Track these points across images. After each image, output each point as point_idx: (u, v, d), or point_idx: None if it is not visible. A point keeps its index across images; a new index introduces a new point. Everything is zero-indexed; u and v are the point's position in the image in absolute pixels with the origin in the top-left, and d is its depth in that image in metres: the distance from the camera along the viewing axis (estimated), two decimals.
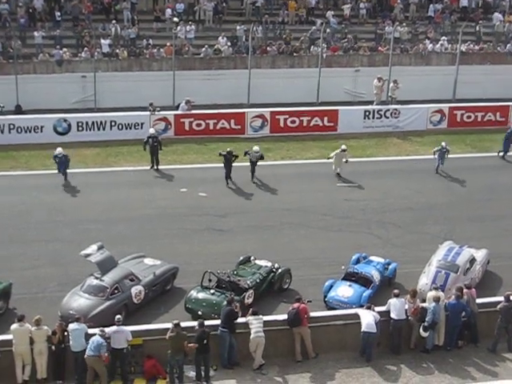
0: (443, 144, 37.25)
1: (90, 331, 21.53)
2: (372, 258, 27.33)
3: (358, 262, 27.10)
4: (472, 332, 23.75)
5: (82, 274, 25.19)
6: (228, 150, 35.27)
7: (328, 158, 36.66)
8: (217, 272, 25.28)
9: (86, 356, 20.97)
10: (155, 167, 36.62)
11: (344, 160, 36.25)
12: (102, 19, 48.96)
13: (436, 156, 37.30)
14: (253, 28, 45.26)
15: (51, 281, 26.29)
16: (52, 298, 25.03)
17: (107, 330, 21.46)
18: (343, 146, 36.32)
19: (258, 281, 25.53)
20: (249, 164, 35.62)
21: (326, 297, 25.41)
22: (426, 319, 22.91)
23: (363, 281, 25.76)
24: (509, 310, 23.31)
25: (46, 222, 30.75)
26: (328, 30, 48.73)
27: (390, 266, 26.98)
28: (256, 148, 35.62)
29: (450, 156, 38.76)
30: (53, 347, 21.35)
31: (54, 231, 29.94)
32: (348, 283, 25.63)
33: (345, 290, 25.37)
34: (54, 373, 21.54)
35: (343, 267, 26.78)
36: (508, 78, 48.22)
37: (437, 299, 23.05)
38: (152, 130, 37.29)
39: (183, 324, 21.91)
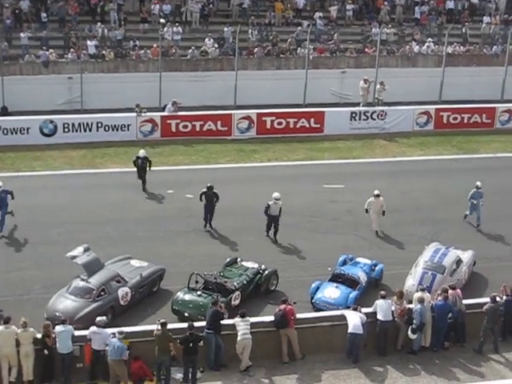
0: (478, 184, 31.65)
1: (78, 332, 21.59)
2: (359, 259, 27.37)
3: (344, 263, 27.11)
4: (460, 331, 23.81)
5: (68, 276, 25.09)
6: (208, 185, 30.47)
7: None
8: (203, 273, 25.26)
9: (108, 359, 21.10)
10: (143, 188, 34.24)
11: (382, 208, 30.52)
12: (89, 20, 48.85)
13: (470, 203, 31.71)
14: (240, 29, 45.22)
15: (36, 283, 26.18)
16: (37, 299, 24.93)
17: (87, 331, 21.55)
18: (376, 192, 30.64)
19: (244, 282, 25.52)
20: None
21: (312, 298, 25.43)
22: (414, 321, 22.96)
23: (350, 282, 25.78)
24: (495, 311, 23.41)
25: (31, 223, 30.59)
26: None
27: (377, 268, 27.02)
28: (276, 194, 29.88)
29: (436, 157, 39.05)
30: (45, 351, 21.28)
31: (40, 233, 29.82)
32: (335, 285, 25.64)
33: (331, 292, 25.37)
34: (43, 375, 21.48)
35: (330, 269, 26.79)
36: (494, 80, 48.43)
37: (421, 300, 23.10)
38: (142, 152, 34.27)
39: (172, 326, 21.93)
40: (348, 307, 23.96)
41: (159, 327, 21.57)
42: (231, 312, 23.79)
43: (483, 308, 23.43)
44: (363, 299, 25.05)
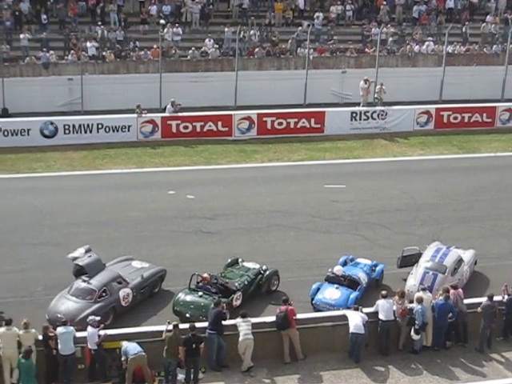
0: None
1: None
2: (359, 260, 27.32)
3: (345, 264, 27.07)
4: (462, 331, 23.79)
5: (70, 278, 25.09)
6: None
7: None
8: None
9: (136, 355, 20.99)
10: None
11: None
12: (89, 22, 48.89)
13: None
14: (239, 30, 45.27)
15: (38, 284, 26.17)
16: (39, 301, 24.94)
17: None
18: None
19: (246, 283, 25.52)
20: None
21: (313, 299, 25.41)
22: (416, 322, 22.95)
23: (350, 283, 25.76)
24: (491, 308, 23.38)
25: (33, 225, 30.60)
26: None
27: (377, 268, 26.98)
28: None
29: (436, 157, 39.10)
30: (54, 351, 21.31)
31: (41, 234, 29.84)
32: (335, 286, 25.59)
33: (332, 293, 25.32)
34: (47, 377, 21.47)
35: (330, 270, 26.66)
36: (494, 79, 48.43)
37: (421, 300, 23.10)
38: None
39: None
40: (348, 308, 23.94)
41: (170, 327, 21.59)
42: (232, 312, 23.80)
43: (480, 306, 23.41)
44: (364, 299, 25.06)
